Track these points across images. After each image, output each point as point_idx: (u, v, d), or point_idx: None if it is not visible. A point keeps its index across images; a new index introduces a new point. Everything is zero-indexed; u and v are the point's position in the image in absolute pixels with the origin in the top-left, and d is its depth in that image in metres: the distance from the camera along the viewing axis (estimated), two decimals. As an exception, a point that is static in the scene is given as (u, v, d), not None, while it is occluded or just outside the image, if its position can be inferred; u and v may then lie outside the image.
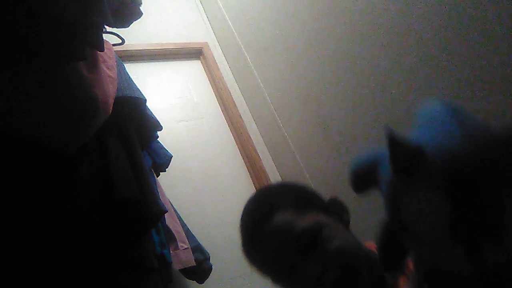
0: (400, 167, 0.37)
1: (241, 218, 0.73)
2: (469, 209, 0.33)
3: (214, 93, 2.36)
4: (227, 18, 2.34)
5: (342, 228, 0.69)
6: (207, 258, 1.53)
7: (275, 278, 0.67)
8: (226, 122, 2.27)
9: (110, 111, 1.03)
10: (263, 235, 0.64)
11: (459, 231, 0.33)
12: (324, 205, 0.72)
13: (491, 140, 0.34)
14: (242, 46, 2.23)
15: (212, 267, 1.56)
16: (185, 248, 1.40)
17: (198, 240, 1.56)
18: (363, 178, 0.43)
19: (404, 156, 0.36)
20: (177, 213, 1.55)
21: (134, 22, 1.30)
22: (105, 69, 1.07)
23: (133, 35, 2.10)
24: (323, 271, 0.59)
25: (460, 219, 0.33)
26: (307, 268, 0.60)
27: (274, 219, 0.64)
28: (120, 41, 1.35)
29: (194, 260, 1.42)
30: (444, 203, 0.33)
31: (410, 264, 0.45)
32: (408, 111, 1.24)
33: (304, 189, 0.75)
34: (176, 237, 1.40)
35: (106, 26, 1.17)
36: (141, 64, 2.24)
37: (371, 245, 0.72)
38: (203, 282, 1.54)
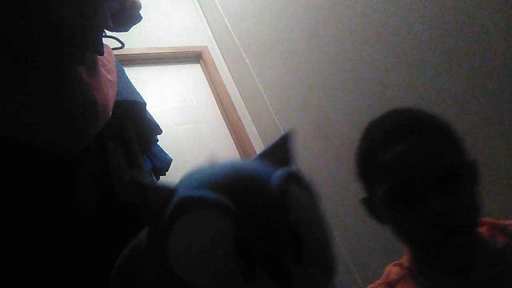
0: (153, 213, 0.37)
1: (383, 123, 0.72)
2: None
3: (214, 97, 2.36)
4: (227, 22, 2.35)
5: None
6: (207, 262, 1.52)
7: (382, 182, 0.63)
8: (226, 125, 2.27)
9: (110, 115, 1.03)
10: (407, 149, 0.60)
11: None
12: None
13: None
14: (241, 50, 2.24)
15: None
16: (185, 252, 1.40)
17: (198, 243, 1.55)
18: None
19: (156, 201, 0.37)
20: (177, 216, 1.55)
21: (134, 26, 1.30)
22: (104, 73, 1.07)
23: (133, 39, 2.11)
24: (446, 218, 0.55)
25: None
26: (432, 201, 0.56)
27: (423, 138, 0.60)
28: (120, 45, 1.36)
29: (194, 264, 1.41)
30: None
31: None
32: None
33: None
34: (176, 241, 1.39)
35: (105, 30, 1.17)
36: (141, 68, 2.24)
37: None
38: (203, 286, 1.53)
